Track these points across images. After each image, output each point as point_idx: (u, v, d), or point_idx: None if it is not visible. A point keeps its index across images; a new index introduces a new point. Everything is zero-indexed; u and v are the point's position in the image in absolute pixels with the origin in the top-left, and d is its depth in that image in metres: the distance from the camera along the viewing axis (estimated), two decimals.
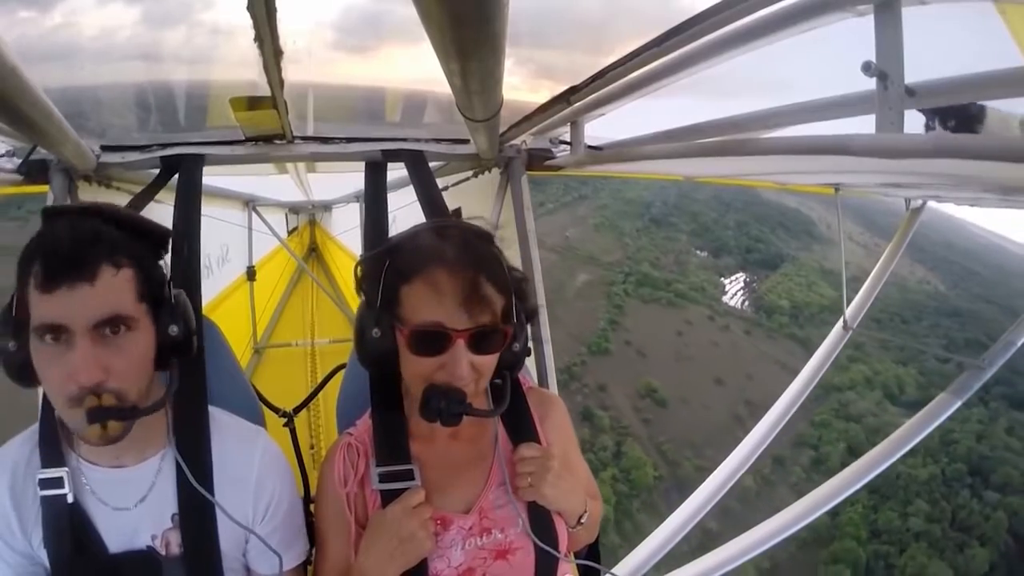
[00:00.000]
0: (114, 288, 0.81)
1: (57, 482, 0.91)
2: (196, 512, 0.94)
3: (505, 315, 0.90)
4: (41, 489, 0.91)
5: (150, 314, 0.87)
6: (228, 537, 0.97)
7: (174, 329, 0.89)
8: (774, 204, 61.30)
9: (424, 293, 0.86)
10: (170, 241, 0.95)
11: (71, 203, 1.44)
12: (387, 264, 0.91)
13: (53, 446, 0.93)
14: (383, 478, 0.96)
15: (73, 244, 0.80)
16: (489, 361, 0.90)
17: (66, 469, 0.91)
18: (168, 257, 0.97)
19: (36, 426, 0.96)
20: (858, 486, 2.58)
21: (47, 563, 0.92)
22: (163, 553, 0.94)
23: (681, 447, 37.78)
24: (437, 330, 0.86)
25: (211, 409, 1.03)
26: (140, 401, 0.86)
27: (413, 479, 0.96)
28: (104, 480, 0.93)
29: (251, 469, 0.99)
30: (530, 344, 1.04)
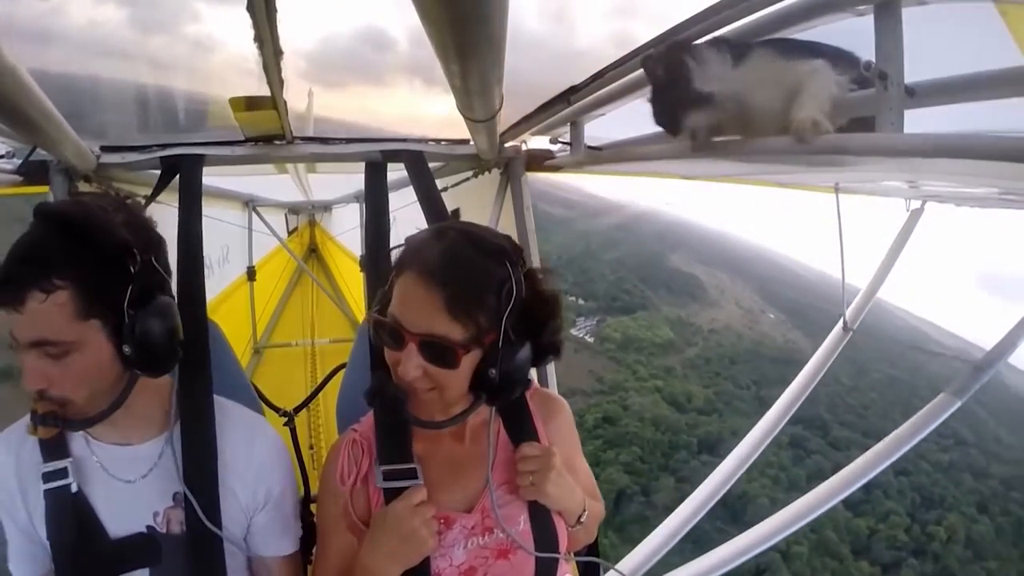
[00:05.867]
0: (42, 315, 0.79)
1: (60, 473, 0.92)
2: (199, 492, 0.95)
3: (475, 335, 0.85)
4: (44, 483, 0.92)
5: (105, 328, 0.84)
6: (230, 519, 0.98)
7: (127, 350, 0.85)
8: (671, 270, 71.11)
9: (400, 289, 0.87)
10: (139, 246, 0.87)
11: (56, 202, 1.41)
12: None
13: (54, 435, 0.93)
14: (386, 476, 0.96)
15: (7, 265, 0.79)
16: (445, 375, 0.86)
17: (69, 460, 0.93)
18: (155, 259, 0.92)
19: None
20: (858, 485, 2.57)
21: (49, 548, 0.93)
22: (163, 531, 0.96)
23: None
24: (393, 326, 0.86)
25: (219, 397, 1.05)
26: (92, 404, 0.87)
27: (416, 478, 0.96)
28: (110, 456, 0.95)
29: (253, 457, 1.02)
30: (532, 377, 0.99)
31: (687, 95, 0.93)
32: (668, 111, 0.98)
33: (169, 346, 0.90)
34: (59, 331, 0.80)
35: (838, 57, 0.90)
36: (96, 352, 0.84)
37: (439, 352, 0.85)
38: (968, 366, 2.41)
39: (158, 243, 0.93)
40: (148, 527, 0.95)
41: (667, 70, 0.95)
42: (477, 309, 0.84)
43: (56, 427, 0.85)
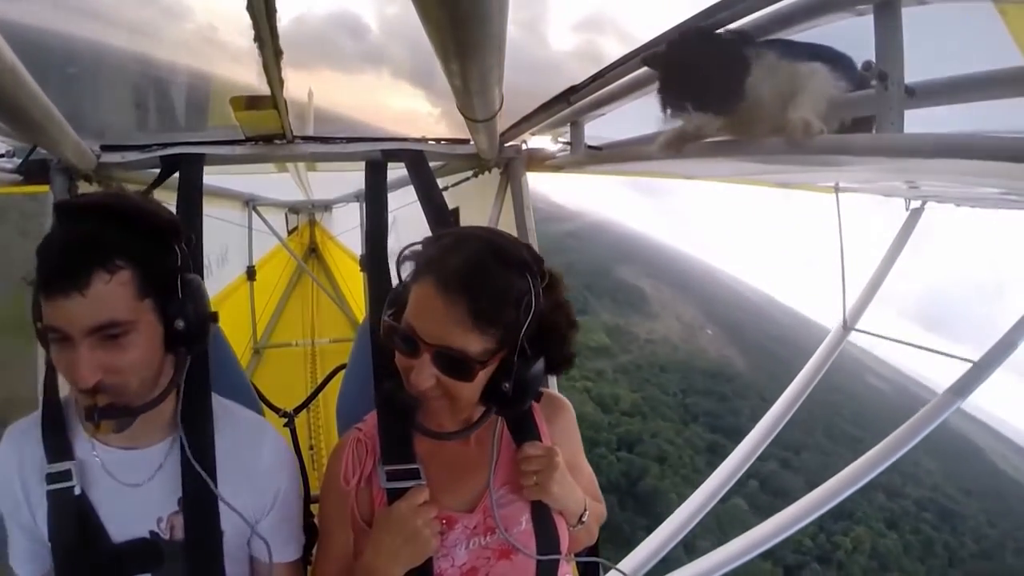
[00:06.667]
0: (107, 296, 0.80)
1: (64, 475, 0.92)
2: (200, 497, 0.95)
3: (492, 348, 0.84)
4: (48, 484, 0.91)
5: (156, 307, 0.87)
6: (232, 524, 0.97)
7: (180, 324, 0.88)
8: (618, 280, 72.02)
9: (417, 296, 0.86)
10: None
11: (80, 196, 1.42)
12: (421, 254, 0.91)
13: (59, 437, 0.94)
14: (390, 476, 0.96)
15: (65, 253, 0.80)
16: (458, 386, 0.85)
17: (73, 462, 0.92)
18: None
19: (38, 414, 0.97)
20: (859, 485, 2.58)
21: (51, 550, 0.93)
22: (166, 537, 0.95)
23: None
24: (409, 334, 0.85)
25: (223, 400, 1.04)
26: (142, 391, 0.88)
27: (419, 478, 0.96)
28: (115, 459, 0.95)
29: (259, 461, 1.01)
30: (542, 389, 0.99)
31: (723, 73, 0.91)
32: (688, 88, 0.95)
33: (207, 320, 0.95)
34: (123, 311, 0.82)
35: (838, 60, 0.90)
36: (150, 331, 0.86)
37: (454, 364, 0.83)
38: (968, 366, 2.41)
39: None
40: (151, 532, 0.95)
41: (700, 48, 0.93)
42: (496, 323, 0.83)
43: (117, 418, 0.85)
